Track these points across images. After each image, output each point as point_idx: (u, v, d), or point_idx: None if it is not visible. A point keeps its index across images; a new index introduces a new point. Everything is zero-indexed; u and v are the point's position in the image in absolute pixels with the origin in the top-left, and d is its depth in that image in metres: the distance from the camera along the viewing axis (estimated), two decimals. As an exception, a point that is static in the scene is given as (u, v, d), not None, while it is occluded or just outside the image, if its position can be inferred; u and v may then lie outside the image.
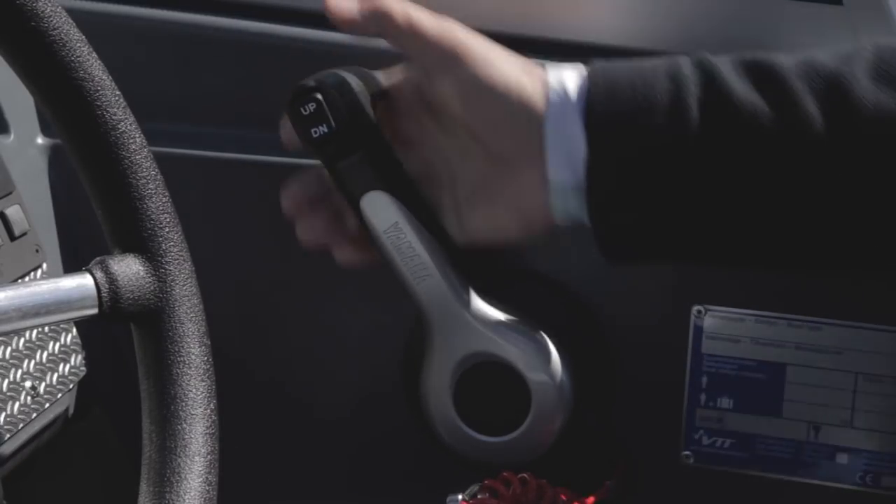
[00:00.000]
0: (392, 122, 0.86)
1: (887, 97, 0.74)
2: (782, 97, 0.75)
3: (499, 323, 0.89)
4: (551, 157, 0.78)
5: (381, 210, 0.86)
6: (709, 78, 0.76)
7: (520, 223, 0.83)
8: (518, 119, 0.79)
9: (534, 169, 0.79)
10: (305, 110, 0.85)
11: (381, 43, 1.04)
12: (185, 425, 0.72)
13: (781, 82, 0.76)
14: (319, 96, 0.85)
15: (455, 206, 0.84)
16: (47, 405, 0.94)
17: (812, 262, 0.82)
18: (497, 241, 0.84)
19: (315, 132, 0.85)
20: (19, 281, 0.93)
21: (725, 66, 0.77)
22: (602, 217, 0.78)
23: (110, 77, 0.72)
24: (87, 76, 0.71)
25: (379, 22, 0.82)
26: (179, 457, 0.71)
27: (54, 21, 0.70)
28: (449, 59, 0.81)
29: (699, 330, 1.00)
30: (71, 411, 1.00)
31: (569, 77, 0.79)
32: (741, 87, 0.76)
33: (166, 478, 0.71)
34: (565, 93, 0.78)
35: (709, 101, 0.76)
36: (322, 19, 1.06)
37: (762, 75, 0.76)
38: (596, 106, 0.77)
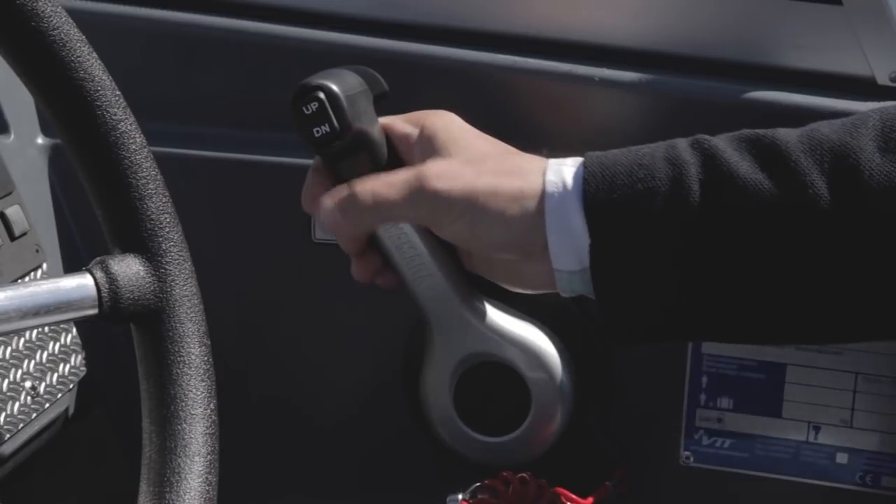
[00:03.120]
0: None
1: None
2: (787, 174, 0.73)
3: (499, 323, 0.89)
4: (555, 249, 0.77)
5: (381, 210, 0.86)
6: (709, 158, 0.75)
7: (525, 289, 0.83)
8: (520, 231, 0.78)
9: (539, 260, 0.79)
10: (307, 109, 0.85)
11: (383, 43, 1.05)
12: (185, 425, 0.72)
13: (786, 159, 0.73)
14: (322, 96, 0.85)
15: (465, 254, 0.85)
16: (47, 405, 0.94)
17: (825, 337, 0.80)
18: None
19: (317, 131, 0.85)
20: (19, 281, 0.93)
21: (725, 146, 0.75)
22: (610, 302, 0.77)
23: (110, 77, 0.72)
24: (87, 76, 0.71)
25: (361, 221, 0.81)
26: (179, 457, 0.71)
27: (54, 21, 0.70)
28: (440, 216, 0.79)
29: (699, 330, 1.00)
30: (71, 411, 1.00)
31: (566, 168, 0.78)
32: (744, 167, 0.74)
33: (166, 478, 0.71)
34: (563, 184, 0.77)
35: (711, 182, 0.74)
36: (322, 19, 1.07)
37: (765, 153, 0.74)
38: (594, 195, 0.76)
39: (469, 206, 0.78)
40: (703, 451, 1.03)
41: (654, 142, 0.78)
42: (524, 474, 0.96)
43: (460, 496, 0.95)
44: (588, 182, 0.76)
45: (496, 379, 0.90)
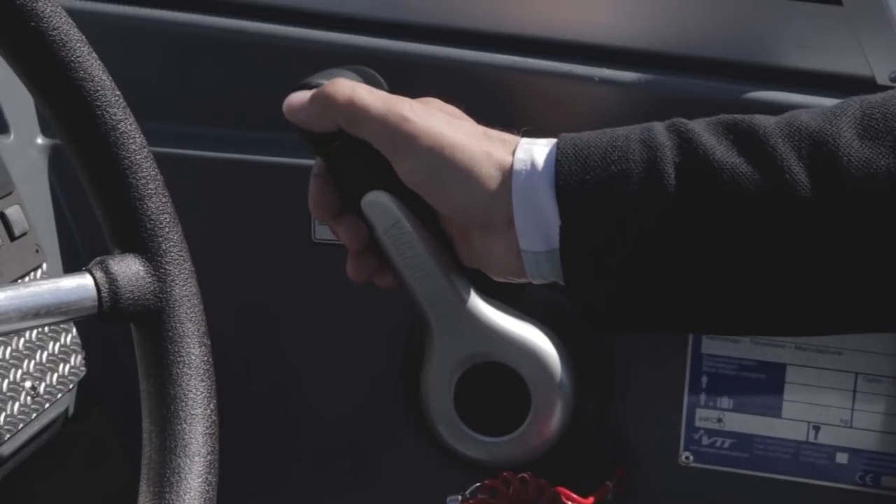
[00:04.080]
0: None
1: (875, 154, 0.71)
2: (765, 159, 0.72)
3: (499, 323, 0.89)
4: (521, 228, 0.77)
5: (381, 210, 0.86)
6: (685, 142, 0.74)
7: (496, 271, 0.82)
8: (482, 195, 0.78)
9: (505, 237, 0.78)
10: (307, 110, 0.85)
11: (383, 43, 1.05)
12: (185, 425, 0.72)
13: (763, 143, 0.73)
14: None
15: (457, 239, 0.85)
16: (47, 405, 0.94)
17: (802, 328, 0.79)
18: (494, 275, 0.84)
19: (316, 131, 0.86)
20: (19, 281, 0.93)
21: (702, 130, 0.74)
22: (578, 286, 0.76)
23: (110, 77, 0.72)
24: (87, 76, 0.71)
25: (325, 112, 0.81)
26: (179, 457, 0.71)
27: (54, 21, 0.70)
28: (400, 144, 0.79)
29: (699, 330, 1.00)
30: (71, 411, 1.00)
31: (537, 148, 0.78)
32: (721, 151, 0.73)
33: (166, 478, 0.71)
34: (532, 164, 0.77)
35: (686, 165, 0.73)
36: (322, 19, 1.07)
37: (742, 137, 0.73)
38: (567, 176, 0.75)
39: (433, 149, 0.78)
40: (703, 451, 1.03)
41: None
42: (524, 474, 0.96)
43: (460, 496, 0.95)
44: (560, 163, 0.76)
45: (496, 379, 0.90)
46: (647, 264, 0.74)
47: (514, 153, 0.78)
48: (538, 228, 0.77)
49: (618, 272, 0.75)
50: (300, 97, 0.83)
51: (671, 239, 0.74)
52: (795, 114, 0.75)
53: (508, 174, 0.77)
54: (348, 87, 0.81)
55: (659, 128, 0.76)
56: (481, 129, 0.81)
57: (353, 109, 0.80)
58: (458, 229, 0.83)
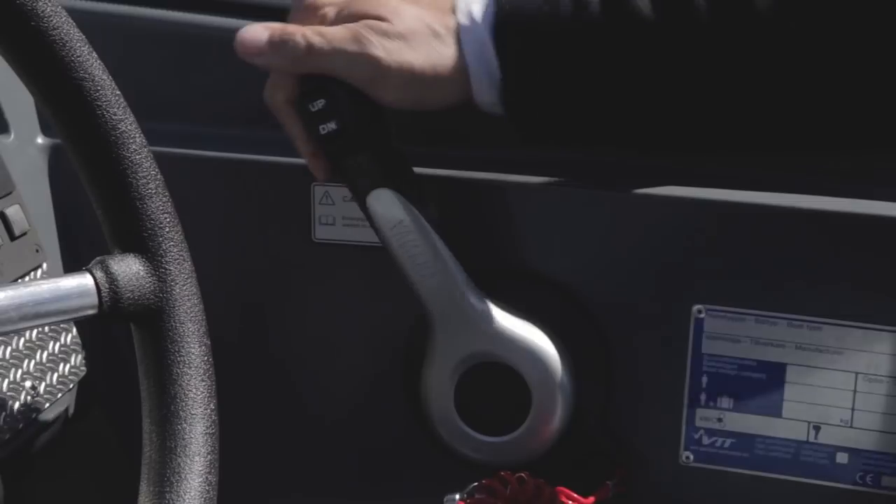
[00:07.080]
0: None
1: None
2: None
3: (500, 323, 0.89)
4: (474, 75, 0.85)
5: (386, 207, 0.86)
6: None
7: (439, 102, 0.88)
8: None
9: (458, 82, 0.85)
10: (314, 107, 0.86)
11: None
12: (185, 425, 0.72)
13: None
14: (327, 94, 0.85)
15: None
16: (47, 405, 0.94)
17: (710, 143, 0.90)
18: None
19: (323, 129, 0.86)
20: (19, 281, 0.93)
21: None
22: (516, 107, 0.86)
23: (110, 77, 0.73)
24: (87, 76, 0.71)
25: (283, 50, 0.85)
26: (179, 457, 0.71)
27: (54, 21, 0.70)
28: (377, 83, 0.85)
29: (699, 330, 1.00)
30: (71, 411, 1.00)
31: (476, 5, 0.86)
32: None
33: (166, 478, 0.71)
34: (470, 14, 0.85)
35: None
36: (322, 19, 1.07)
37: None
38: (505, 17, 0.84)
39: (408, 83, 0.84)
40: (703, 451, 1.03)
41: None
42: (522, 473, 0.96)
43: (458, 496, 0.95)
44: (499, 4, 0.85)
45: (496, 379, 0.90)
46: (575, 85, 0.85)
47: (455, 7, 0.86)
48: (487, 75, 0.85)
49: (549, 92, 0.86)
50: (254, 36, 0.85)
51: (595, 62, 0.85)
52: None
53: (458, 30, 0.85)
54: (304, 34, 0.85)
55: None
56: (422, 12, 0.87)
57: (315, 57, 0.85)
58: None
